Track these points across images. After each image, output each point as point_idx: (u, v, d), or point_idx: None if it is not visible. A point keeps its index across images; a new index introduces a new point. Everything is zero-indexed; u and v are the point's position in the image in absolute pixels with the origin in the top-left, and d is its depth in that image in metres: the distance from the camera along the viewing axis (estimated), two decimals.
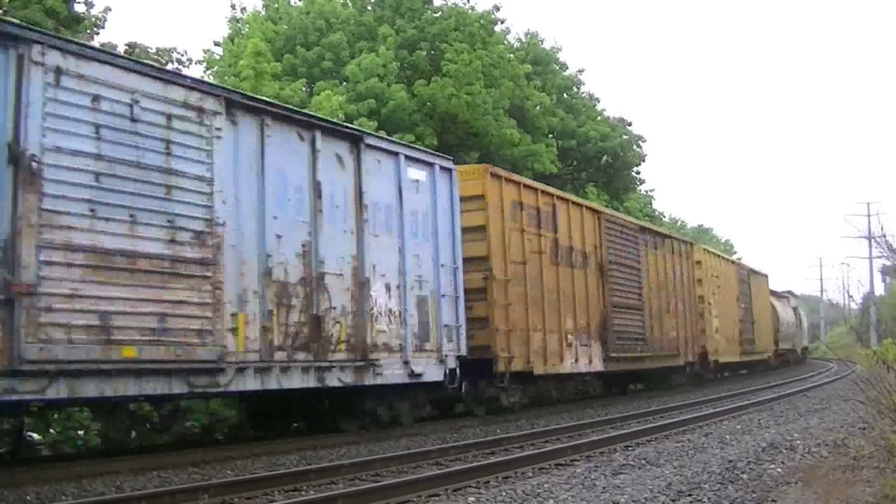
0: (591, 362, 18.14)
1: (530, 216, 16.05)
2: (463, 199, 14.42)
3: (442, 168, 13.95)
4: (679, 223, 64.01)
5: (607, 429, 13.66)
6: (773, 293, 42.03)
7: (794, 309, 47.04)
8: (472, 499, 7.57)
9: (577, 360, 17.45)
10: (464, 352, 13.83)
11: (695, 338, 24.91)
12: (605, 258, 19.09)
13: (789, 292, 49.48)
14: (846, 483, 7.09)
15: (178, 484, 8.32)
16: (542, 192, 16.98)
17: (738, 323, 30.31)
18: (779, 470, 8.41)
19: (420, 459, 10.08)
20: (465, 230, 14.30)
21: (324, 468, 9.12)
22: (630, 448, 10.92)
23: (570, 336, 17.16)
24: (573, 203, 18.44)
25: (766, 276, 38.39)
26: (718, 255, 30.37)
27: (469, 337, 14.18)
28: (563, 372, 17.26)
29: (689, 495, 7.23)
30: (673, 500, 7.08)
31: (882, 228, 11.39)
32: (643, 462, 9.38)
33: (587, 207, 19.19)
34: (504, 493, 7.66)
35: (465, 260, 14.21)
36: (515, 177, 16.67)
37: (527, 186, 16.44)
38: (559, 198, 17.71)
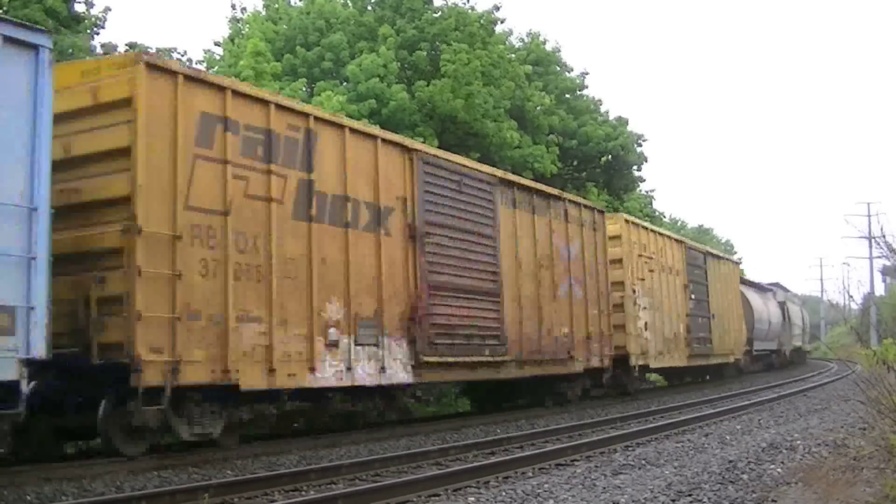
0: (383, 371, 12.08)
1: (250, 143, 10.49)
2: (93, 108, 9.55)
3: (11, 41, 8.04)
4: (679, 223, 63.99)
5: (607, 429, 13.67)
6: (752, 284, 38.08)
7: (782, 304, 41.78)
8: (472, 499, 7.58)
9: (349, 368, 11.47)
10: (38, 352, 7.99)
11: (605, 336, 18.75)
12: (419, 218, 13.11)
13: (776, 285, 45.09)
14: (846, 483, 7.10)
15: (178, 484, 8.33)
16: (281, 107, 11.08)
17: (686, 318, 24.04)
18: (779, 470, 8.41)
19: (420, 459, 10.10)
20: (90, 157, 9.50)
21: (324, 468, 9.12)
22: (630, 448, 10.94)
23: (333, 331, 11.32)
24: (354, 131, 12.28)
25: (735, 263, 32.35)
26: (654, 231, 23.10)
27: (95, 328, 9.06)
28: (318, 386, 11.16)
29: (690, 495, 7.24)
30: (673, 501, 7.09)
31: (882, 228, 11.34)
32: (643, 462, 9.39)
33: (385, 140, 12.91)
34: (504, 493, 7.67)
35: (85, 205, 9.42)
36: (214, 78, 11.03)
37: (243, 95, 10.60)
38: (321, 120, 11.74)
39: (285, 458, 10.29)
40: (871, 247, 35.67)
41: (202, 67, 25.62)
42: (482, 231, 14.74)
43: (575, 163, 32.24)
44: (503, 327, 14.90)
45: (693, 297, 24.95)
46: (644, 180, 36.08)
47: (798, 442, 10.43)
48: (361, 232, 12.10)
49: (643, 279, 21.13)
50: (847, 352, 20.16)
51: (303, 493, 8.14)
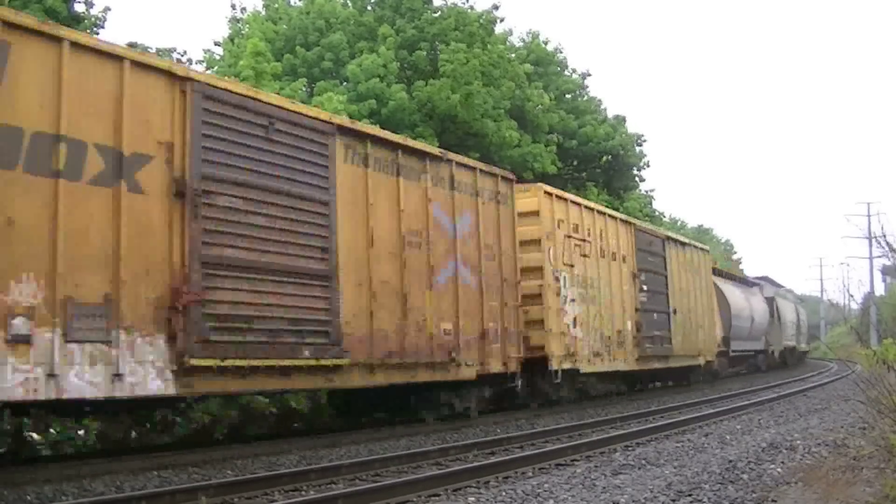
0: (119, 378, 8.56)
1: None
2: None
3: None
4: (679, 223, 64.02)
5: (607, 429, 13.66)
6: (731, 277, 35.40)
7: (770, 300, 38.04)
8: (472, 499, 7.58)
9: (52, 375, 7.95)
10: None
11: (512, 334, 14.96)
12: (192, 171, 9.58)
13: (765, 279, 41.77)
14: (846, 483, 7.10)
15: (178, 484, 8.33)
16: None
17: (635, 313, 20.24)
18: (779, 470, 8.41)
19: (420, 459, 10.09)
20: None
21: (324, 468, 9.12)
22: (630, 448, 10.93)
23: (21, 322, 7.84)
24: (80, 47, 8.71)
25: (705, 251, 27.77)
26: (590, 208, 19.01)
27: None
28: None
29: (690, 495, 7.24)
30: (673, 501, 7.09)
31: (882, 228, 11.37)
32: (643, 462, 9.39)
33: (139, 64, 9.32)
34: (504, 493, 7.67)
35: None
36: None
37: None
38: (19, 28, 8.20)
39: (285, 458, 10.30)
40: (871, 246, 35.72)
41: (202, 67, 25.62)
42: (307, 194, 11.09)
43: (575, 163, 32.26)
44: (338, 321, 11.25)
45: (646, 288, 20.97)
46: (644, 180, 36.15)
47: (798, 442, 10.42)
48: (86, 185, 8.62)
49: (572, 265, 17.31)
50: (847, 352, 20.15)
51: (303, 493, 8.13)
